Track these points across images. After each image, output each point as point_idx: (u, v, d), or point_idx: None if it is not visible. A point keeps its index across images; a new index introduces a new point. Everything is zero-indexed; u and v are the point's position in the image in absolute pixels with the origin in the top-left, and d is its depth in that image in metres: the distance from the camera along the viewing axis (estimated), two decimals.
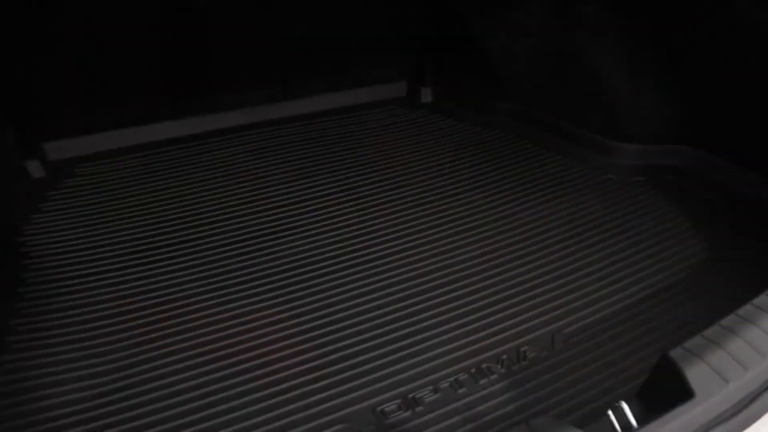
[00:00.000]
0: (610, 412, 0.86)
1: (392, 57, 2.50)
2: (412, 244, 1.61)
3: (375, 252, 1.59)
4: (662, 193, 1.84)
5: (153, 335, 1.32)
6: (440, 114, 2.42)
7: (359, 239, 1.63)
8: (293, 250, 1.57)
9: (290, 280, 1.47)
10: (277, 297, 1.43)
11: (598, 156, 2.01)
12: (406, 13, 2.41)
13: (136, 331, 1.33)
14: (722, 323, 0.98)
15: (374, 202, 1.80)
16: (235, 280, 1.48)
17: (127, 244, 1.59)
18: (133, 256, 1.55)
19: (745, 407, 0.84)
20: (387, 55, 2.49)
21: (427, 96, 2.51)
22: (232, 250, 1.59)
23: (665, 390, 0.88)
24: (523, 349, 1.31)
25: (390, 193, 1.84)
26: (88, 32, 1.82)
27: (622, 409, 0.86)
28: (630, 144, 1.97)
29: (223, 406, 1.16)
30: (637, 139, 1.97)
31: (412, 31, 2.47)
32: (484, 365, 1.26)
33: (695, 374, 0.87)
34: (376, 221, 1.71)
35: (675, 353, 0.92)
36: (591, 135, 2.04)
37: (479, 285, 1.48)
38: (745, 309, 1.00)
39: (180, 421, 1.13)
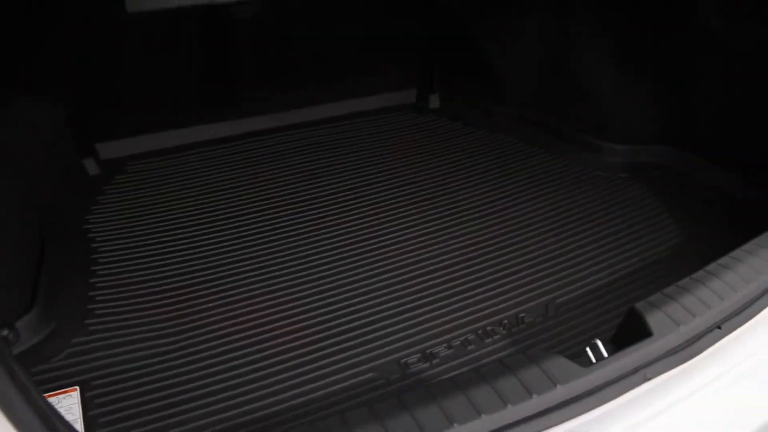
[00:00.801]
0: (587, 348, 1.10)
1: (403, 67, 2.69)
2: (423, 231, 1.83)
3: (392, 238, 1.81)
4: (645, 188, 2.05)
5: (201, 307, 1.56)
6: (447, 118, 2.61)
7: (377, 228, 1.85)
8: (324, 236, 1.81)
9: (316, 263, 1.70)
10: (305, 276, 1.65)
11: (589, 155, 2.22)
12: (415, 28, 2.61)
13: (185, 304, 1.57)
14: (679, 284, 1.21)
15: (389, 197, 2.01)
16: (265, 263, 1.70)
17: (170, 231, 1.82)
18: (175, 241, 1.78)
19: (691, 344, 1.07)
20: (398, 65, 2.68)
21: (435, 102, 2.69)
22: (261, 237, 1.82)
23: (632, 333, 1.11)
24: (521, 315, 1.54)
25: (403, 188, 2.06)
26: (138, 48, 2.05)
27: (597, 345, 1.09)
28: (617, 144, 2.18)
29: (272, 360, 1.40)
30: (624, 139, 2.18)
31: (421, 44, 2.65)
32: (488, 327, 1.50)
33: (654, 320, 1.10)
34: (392, 212, 1.92)
35: (640, 305, 1.14)
36: (582, 136, 2.25)
37: (484, 263, 1.71)
38: (698, 273, 1.24)
39: (226, 375, 1.37)
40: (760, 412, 1.09)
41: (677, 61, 1.97)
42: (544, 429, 0.94)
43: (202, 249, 1.75)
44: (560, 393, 0.96)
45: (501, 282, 1.64)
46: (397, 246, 1.78)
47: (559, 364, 1.01)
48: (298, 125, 2.41)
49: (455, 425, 0.89)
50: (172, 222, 1.86)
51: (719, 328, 1.12)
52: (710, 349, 1.11)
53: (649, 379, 1.03)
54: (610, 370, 1.02)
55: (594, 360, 1.04)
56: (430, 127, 2.54)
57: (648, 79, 2.11)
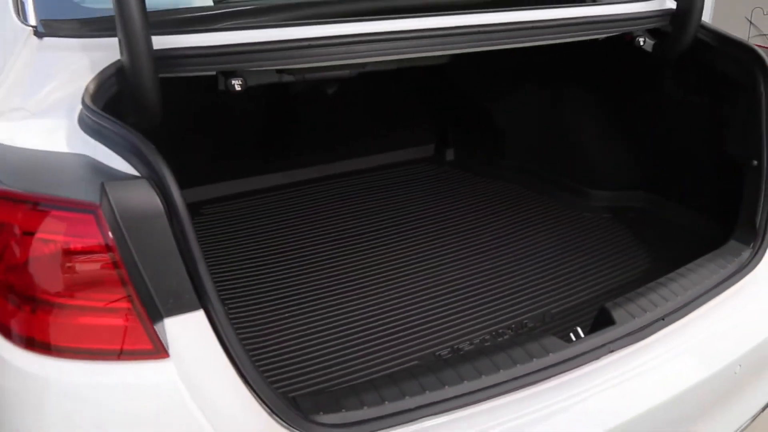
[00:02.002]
0: (570, 334, 1.57)
1: (423, 127, 3.09)
2: (447, 259, 2.20)
3: (424, 264, 2.19)
4: (623, 225, 2.41)
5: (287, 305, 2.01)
6: (460, 169, 2.99)
7: (412, 255, 2.24)
8: (369, 261, 2.22)
9: (365, 281, 2.08)
10: (358, 291, 2.06)
11: (578, 199, 2.57)
12: (434, 98, 3.05)
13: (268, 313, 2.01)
14: (637, 290, 1.67)
15: (416, 233, 2.41)
16: (328, 282, 2.11)
17: (246, 261, 2.25)
18: (254, 270, 2.22)
19: (642, 330, 1.52)
20: (420, 126, 3.08)
21: (450, 155, 3.07)
22: (322, 263, 2.21)
23: (602, 322, 1.57)
24: (525, 321, 1.90)
25: (427, 226, 2.45)
26: (219, 112, 2.44)
27: (577, 331, 1.56)
28: (601, 191, 2.56)
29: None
30: (606, 187, 2.56)
31: (438, 109, 3.08)
32: (500, 330, 1.85)
33: (617, 314, 1.53)
34: (421, 245, 2.31)
35: (608, 304, 1.59)
36: (572, 184, 2.62)
37: (495, 283, 2.08)
38: (651, 283, 1.70)
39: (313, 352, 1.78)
40: (689, 378, 1.56)
41: (647, 122, 2.37)
42: (541, 381, 1.41)
43: (281, 272, 2.18)
44: (551, 358, 1.42)
45: (508, 297, 2.02)
46: (428, 270, 2.17)
47: (552, 341, 1.47)
48: (337, 176, 2.82)
49: (482, 376, 1.36)
50: (249, 251, 2.30)
51: (663, 320, 1.59)
52: (656, 335, 1.55)
53: (612, 351, 1.49)
54: (585, 345, 1.47)
55: (575, 339, 1.52)
56: (446, 176, 2.95)
57: (625, 137, 2.47)
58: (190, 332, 1.05)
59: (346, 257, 2.28)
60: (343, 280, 2.14)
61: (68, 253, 0.96)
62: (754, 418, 1.86)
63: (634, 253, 2.28)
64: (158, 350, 1.01)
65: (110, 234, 0.96)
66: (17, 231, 0.97)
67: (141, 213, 1.00)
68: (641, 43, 2.05)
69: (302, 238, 2.40)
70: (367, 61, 1.55)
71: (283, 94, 2.44)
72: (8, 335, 1.00)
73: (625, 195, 2.54)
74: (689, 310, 1.62)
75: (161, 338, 1.01)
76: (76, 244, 0.97)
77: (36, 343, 0.98)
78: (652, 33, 2.08)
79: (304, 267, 2.22)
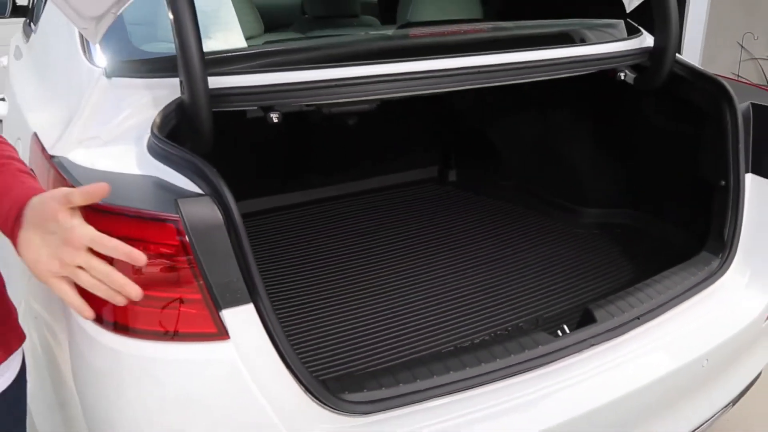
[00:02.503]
0: (558, 330, 1.81)
1: (428, 151, 3.35)
2: (453, 270, 2.43)
3: (433, 274, 2.42)
4: (611, 240, 2.62)
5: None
6: (462, 189, 3.23)
7: (415, 270, 2.46)
8: (387, 272, 2.47)
9: (384, 288, 2.35)
10: (382, 297, 2.32)
11: (570, 216, 2.79)
12: (438, 124, 3.31)
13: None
14: (617, 294, 1.92)
15: (422, 247, 2.63)
16: (360, 289, 2.36)
17: (278, 268, 2.49)
18: (285, 275, 2.46)
19: (619, 328, 1.76)
20: (424, 149, 3.34)
21: (453, 176, 3.31)
22: (351, 273, 2.45)
23: (585, 320, 1.81)
24: (520, 324, 2.12)
25: (432, 241, 2.66)
26: (252, 140, 2.68)
27: (563, 328, 1.80)
28: (591, 209, 2.78)
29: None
30: (596, 205, 2.77)
31: (441, 134, 3.33)
32: (499, 331, 2.06)
33: (599, 313, 1.74)
34: (428, 257, 2.54)
35: (591, 305, 1.84)
36: (565, 203, 2.83)
37: (496, 291, 2.30)
38: (630, 288, 1.94)
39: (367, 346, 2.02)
40: (662, 368, 1.79)
41: (631, 146, 2.61)
42: (531, 369, 1.64)
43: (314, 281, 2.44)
44: (540, 350, 1.64)
45: (506, 303, 2.24)
46: (434, 279, 2.39)
47: (542, 336, 1.72)
48: (350, 195, 3.06)
49: (482, 364, 1.60)
50: (279, 259, 2.55)
51: (638, 319, 1.83)
52: (632, 332, 1.77)
53: (594, 345, 1.73)
54: (570, 339, 1.70)
55: (561, 334, 1.76)
56: (449, 196, 3.19)
57: (612, 160, 2.71)
58: (243, 321, 1.30)
59: (360, 266, 2.52)
60: (360, 286, 2.39)
61: (152, 256, 1.20)
62: (725, 409, 2.10)
63: (619, 264, 2.52)
64: (221, 333, 1.26)
65: (185, 239, 1.21)
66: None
67: (206, 224, 1.25)
68: (622, 77, 2.30)
69: (321, 250, 2.65)
70: (387, 98, 1.80)
71: (305, 122, 2.71)
72: (101, 321, 1.25)
73: (612, 212, 2.76)
74: (662, 311, 1.86)
75: (223, 324, 1.26)
76: (159, 248, 1.22)
77: (126, 327, 1.23)
78: (633, 67, 2.33)
79: (326, 274, 2.47)
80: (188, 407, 1.28)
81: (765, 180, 2.11)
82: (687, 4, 6.37)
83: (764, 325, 2.07)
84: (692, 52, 6.35)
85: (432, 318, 2.21)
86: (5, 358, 1.24)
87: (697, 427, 1.98)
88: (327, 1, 3.44)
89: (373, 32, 2.70)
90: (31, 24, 2.90)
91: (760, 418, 2.67)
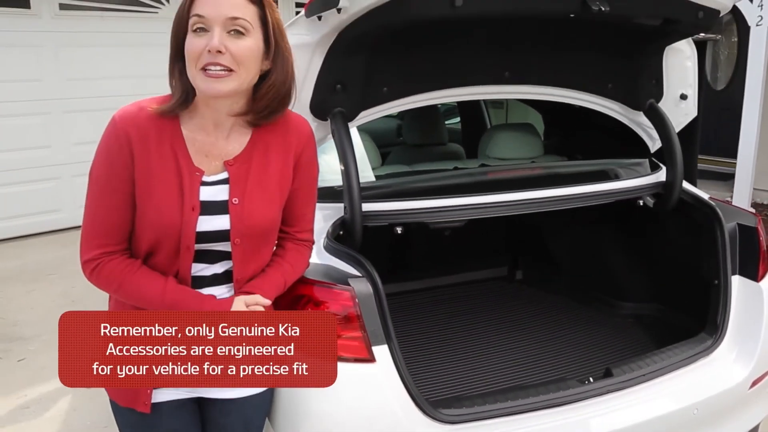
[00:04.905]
0: (586, 381, 2.59)
1: (499, 254, 3.98)
2: (523, 345, 3.15)
3: (504, 348, 3.11)
4: (642, 327, 3.19)
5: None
6: (527, 285, 3.85)
7: (493, 341, 3.19)
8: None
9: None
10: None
11: (610, 308, 3.36)
12: (508, 233, 3.97)
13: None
14: (631, 359, 2.68)
15: (496, 329, 3.36)
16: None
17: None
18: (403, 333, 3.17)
19: (629, 381, 2.51)
20: (496, 253, 3.98)
21: (519, 275, 3.94)
22: (438, 342, 3.23)
23: (605, 375, 2.57)
24: (565, 376, 2.92)
25: (504, 325, 3.36)
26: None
27: (589, 378, 2.57)
28: (626, 302, 3.37)
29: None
30: (629, 299, 3.37)
31: (510, 241, 3.98)
32: (549, 380, 2.85)
33: (616, 370, 2.50)
34: (499, 336, 3.25)
35: (611, 366, 2.61)
36: (607, 298, 3.42)
37: (549, 357, 2.99)
38: (641, 356, 2.71)
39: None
40: (661, 410, 2.51)
41: (654, 253, 3.26)
42: (566, 404, 2.42)
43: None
44: (572, 392, 2.43)
45: (556, 363, 2.91)
46: (508, 351, 3.06)
47: (572, 382, 2.49)
48: (437, 287, 3.81)
49: (536, 396, 2.38)
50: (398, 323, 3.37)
51: (644, 376, 2.55)
52: (639, 385, 2.43)
53: (610, 392, 2.49)
54: (593, 387, 2.45)
55: (587, 383, 2.53)
56: (516, 290, 3.83)
57: (641, 264, 3.31)
58: (383, 354, 2.16)
59: (455, 334, 3.30)
60: (452, 346, 3.17)
61: (339, 311, 2.09)
62: None
63: (647, 345, 3.23)
64: (372, 359, 2.12)
65: (355, 301, 2.10)
66: (312, 300, 2.10)
67: (364, 294, 2.13)
68: (641, 203, 3.12)
69: (429, 321, 3.45)
70: (477, 218, 2.66)
71: (416, 232, 3.08)
72: None
73: (643, 305, 3.38)
74: (664, 372, 2.54)
75: (373, 354, 2.13)
76: (346, 309, 2.10)
77: None
78: (651, 195, 3.15)
79: (425, 339, 3.27)
80: (351, 399, 2.12)
81: (748, 280, 2.82)
82: (741, 125, 7.01)
83: (749, 392, 2.78)
84: (744, 167, 6.99)
85: (505, 369, 2.95)
86: None
87: None
88: (421, 132, 4.35)
89: (461, 166, 3.60)
90: None
91: None
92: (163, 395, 1.76)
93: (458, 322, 3.46)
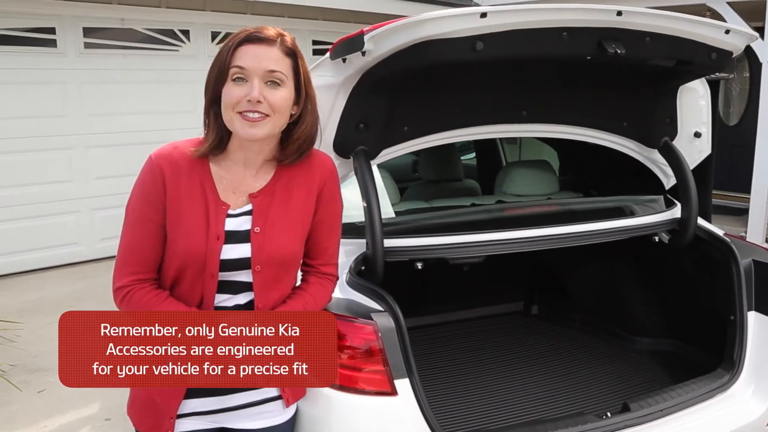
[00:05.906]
0: (603, 415, 2.62)
1: (514, 289, 4.05)
2: (534, 377, 3.24)
3: (519, 382, 3.20)
4: (656, 362, 3.21)
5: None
6: (542, 320, 3.90)
7: (509, 375, 3.28)
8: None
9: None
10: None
11: (625, 343, 3.39)
12: (523, 270, 4.02)
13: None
14: (649, 394, 2.71)
15: (512, 361, 3.43)
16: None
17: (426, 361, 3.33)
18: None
19: (645, 416, 2.56)
20: (512, 289, 4.05)
21: (535, 310, 4.00)
22: (455, 376, 3.31)
23: (623, 410, 2.60)
24: (585, 412, 2.97)
25: (520, 359, 3.47)
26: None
27: (607, 413, 2.61)
28: (641, 337, 3.40)
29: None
30: (645, 335, 3.39)
31: (527, 278, 4.04)
32: (566, 414, 2.89)
33: (633, 405, 2.53)
34: (514, 369, 3.34)
35: (628, 401, 2.64)
36: (623, 332, 3.44)
37: (566, 390, 3.05)
38: (656, 391, 2.73)
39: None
40: None
41: (670, 289, 3.32)
42: None
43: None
44: (588, 427, 2.46)
45: (573, 398, 2.97)
46: (523, 385, 3.14)
47: (590, 417, 2.53)
48: (455, 321, 3.88)
49: (555, 431, 2.42)
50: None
51: (661, 411, 2.59)
52: (656, 421, 2.49)
53: (627, 427, 2.52)
54: (611, 421, 2.48)
55: (605, 417, 2.56)
56: (532, 325, 3.89)
57: (657, 300, 3.36)
58: (404, 387, 2.20)
59: (473, 367, 3.36)
60: (471, 380, 3.23)
61: (362, 344, 2.14)
62: None
63: (662, 380, 3.27)
64: (394, 392, 2.17)
65: (378, 335, 2.15)
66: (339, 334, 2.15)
67: (386, 328, 2.18)
68: (656, 240, 3.17)
69: (448, 355, 3.52)
70: (495, 254, 2.73)
71: (435, 268, 3.13)
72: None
73: (659, 341, 3.41)
74: (681, 408, 2.57)
75: (395, 387, 2.17)
76: (368, 343, 2.15)
77: (347, 388, 2.15)
78: (667, 231, 3.20)
79: (443, 372, 3.33)
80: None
81: (764, 316, 2.85)
82: (755, 160, 7.08)
83: (766, 428, 2.79)
84: (758, 202, 7.04)
85: (523, 403, 3.00)
86: (294, 401, 1.94)
87: None
88: (438, 168, 4.43)
89: (478, 202, 3.67)
90: None
91: None
92: (185, 425, 1.81)
93: (475, 356, 3.52)
